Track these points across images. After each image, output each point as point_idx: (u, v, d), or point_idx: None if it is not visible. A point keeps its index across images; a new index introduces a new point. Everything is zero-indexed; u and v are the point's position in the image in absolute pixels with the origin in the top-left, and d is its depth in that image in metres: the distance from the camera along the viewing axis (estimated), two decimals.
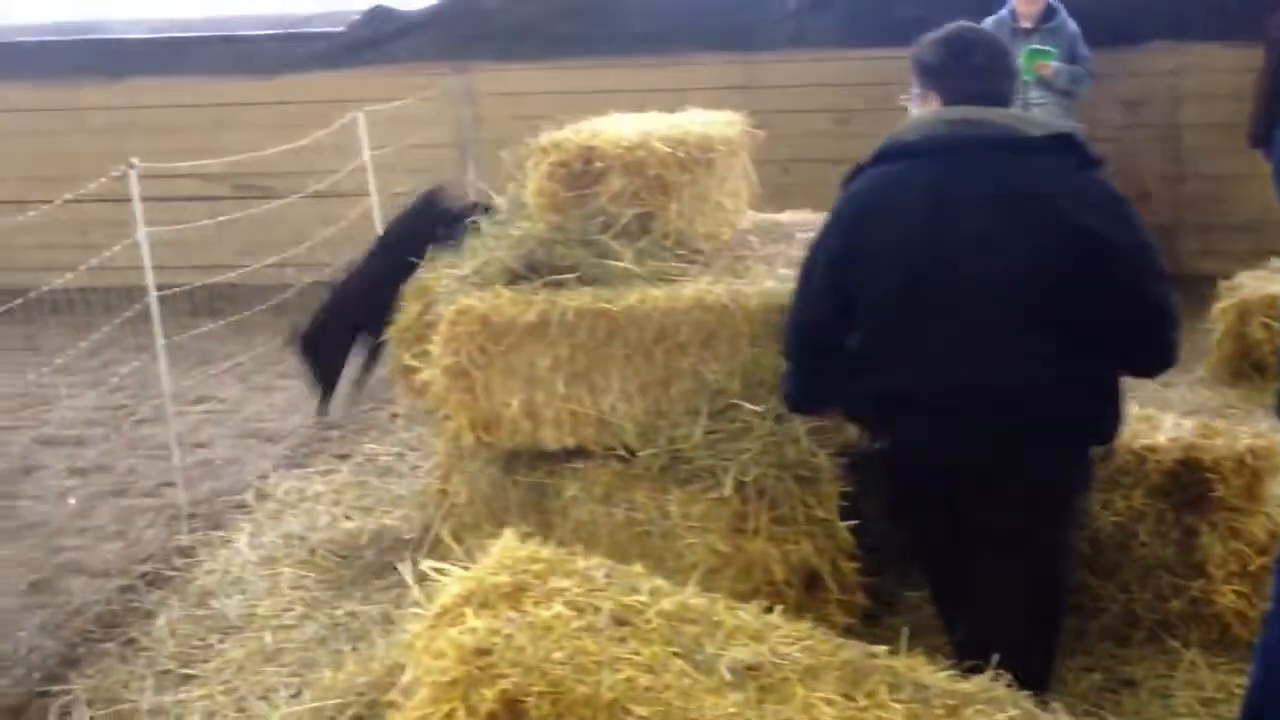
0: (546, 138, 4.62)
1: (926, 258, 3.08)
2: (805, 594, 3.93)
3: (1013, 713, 2.61)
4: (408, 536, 4.65)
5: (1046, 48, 7.48)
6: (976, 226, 3.04)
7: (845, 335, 3.26)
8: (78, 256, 5.20)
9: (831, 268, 3.22)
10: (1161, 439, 3.90)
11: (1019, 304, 3.05)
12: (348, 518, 5.11)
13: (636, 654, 2.56)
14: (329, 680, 3.11)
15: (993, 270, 3.04)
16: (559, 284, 4.25)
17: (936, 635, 3.92)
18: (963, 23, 3.36)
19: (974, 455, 3.12)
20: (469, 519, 4.44)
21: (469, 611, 2.62)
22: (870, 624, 3.89)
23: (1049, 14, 7.59)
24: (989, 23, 7.64)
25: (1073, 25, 7.63)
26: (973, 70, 3.22)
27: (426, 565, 2.82)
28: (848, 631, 3.64)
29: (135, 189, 5.10)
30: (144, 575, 4.77)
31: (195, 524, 5.17)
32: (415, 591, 2.83)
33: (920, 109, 3.32)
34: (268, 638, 4.21)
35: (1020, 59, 7.42)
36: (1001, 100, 3.26)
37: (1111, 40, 7.94)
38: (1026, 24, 7.59)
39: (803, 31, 8.42)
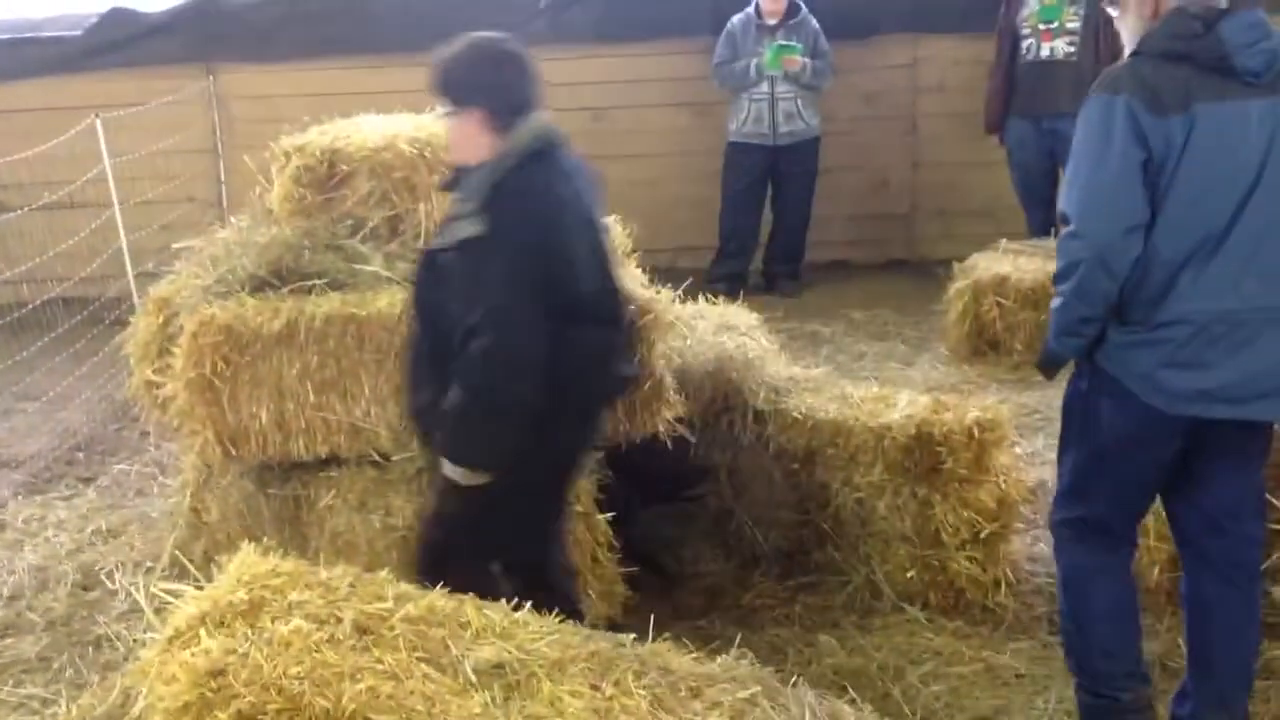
0: (289, 141, 4.52)
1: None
2: None
3: (754, 689, 2.70)
4: (156, 560, 4.47)
5: (793, 43, 7.73)
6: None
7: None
8: None
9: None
10: (896, 416, 4.08)
11: None
12: (93, 544, 4.88)
13: (379, 662, 2.55)
14: (64, 715, 2.98)
15: None
16: (307, 290, 4.17)
17: (690, 618, 4.06)
18: None
19: None
20: (222, 537, 4.30)
21: (203, 632, 2.56)
22: (630, 615, 3.94)
23: (792, 10, 7.86)
24: (736, 20, 7.89)
25: (814, 21, 7.91)
26: None
27: (158, 587, 2.73)
28: (609, 623, 3.71)
29: None
30: None
31: None
32: (149, 615, 2.73)
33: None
34: (6, 673, 3.98)
35: (767, 55, 7.67)
36: None
37: (851, 35, 8.26)
38: (771, 20, 7.83)
39: (556, 28, 8.45)
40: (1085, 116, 3.08)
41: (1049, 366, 3.31)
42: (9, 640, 4.21)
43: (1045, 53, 7.30)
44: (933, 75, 8.57)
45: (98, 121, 6.95)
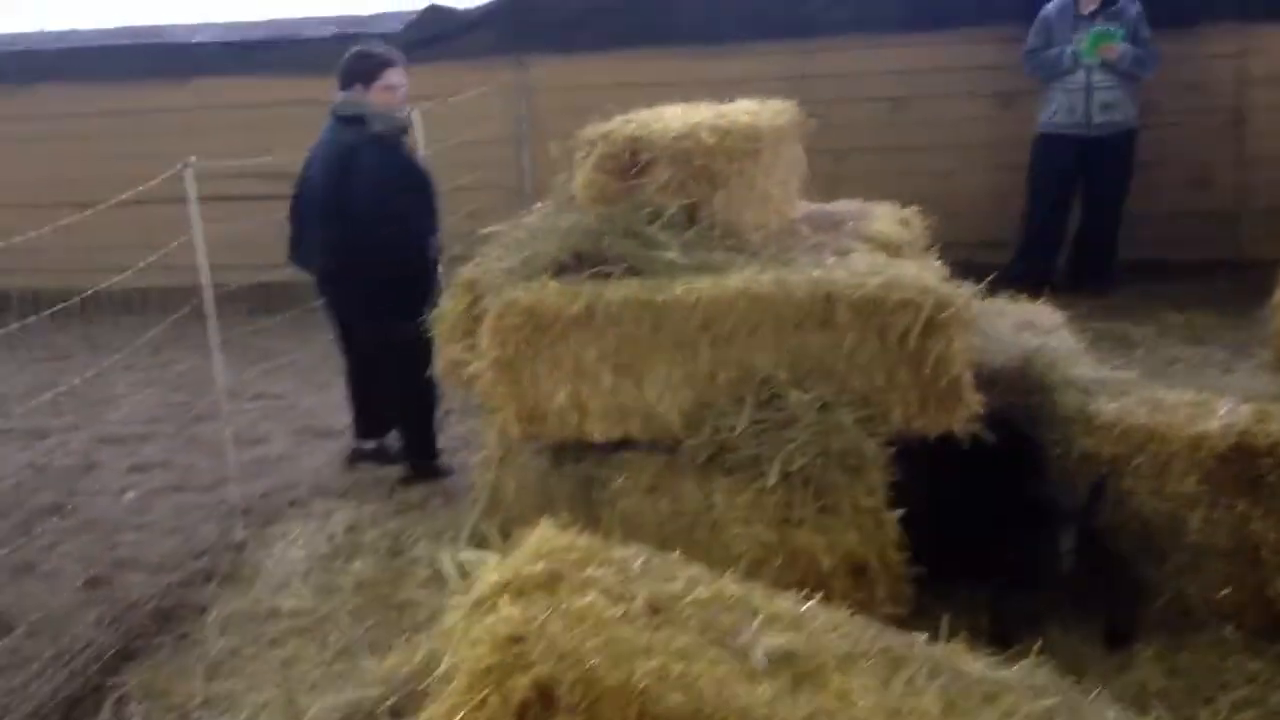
0: (593, 129, 4.63)
1: None
2: (852, 585, 3.90)
3: (1053, 699, 2.58)
4: (456, 531, 4.67)
5: (1112, 29, 7.37)
6: None
7: None
8: (140, 257, 5.28)
9: None
10: (1215, 424, 3.81)
11: None
12: (399, 513, 5.15)
13: (670, 642, 2.56)
14: (372, 671, 3.14)
15: None
16: (605, 275, 4.25)
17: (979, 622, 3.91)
18: None
19: None
20: (517, 512, 4.43)
21: (504, 600, 2.64)
22: (917, 615, 3.84)
23: None
24: (1051, 7, 7.59)
25: (1135, 7, 7.52)
26: None
27: (464, 556, 2.84)
28: (897, 623, 3.62)
29: (191, 188, 5.16)
30: (199, 570, 4.84)
31: (250, 519, 5.24)
32: (454, 582, 2.85)
33: None
34: (318, 631, 4.24)
35: (1085, 41, 7.34)
36: None
37: (1174, 22, 7.80)
38: (1091, 7, 7.49)
39: (857, 17, 8.36)
40: None
41: None
42: (324, 600, 4.49)
43: None
44: (1265, 66, 7.97)
45: (415, 112, 7.30)
